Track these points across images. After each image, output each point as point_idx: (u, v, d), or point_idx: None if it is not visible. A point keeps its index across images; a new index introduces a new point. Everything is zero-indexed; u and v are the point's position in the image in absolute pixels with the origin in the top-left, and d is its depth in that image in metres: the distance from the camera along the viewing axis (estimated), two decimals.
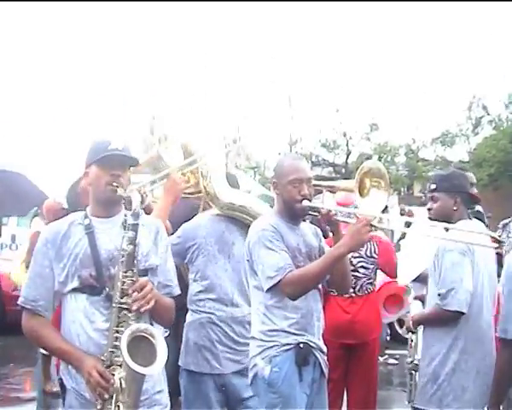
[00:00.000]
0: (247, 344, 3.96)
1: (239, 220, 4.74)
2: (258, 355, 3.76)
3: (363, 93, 34.69)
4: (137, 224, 3.01)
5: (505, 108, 30.79)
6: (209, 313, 4.63)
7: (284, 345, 3.70)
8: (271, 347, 3.71)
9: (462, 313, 3.84)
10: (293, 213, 3.87)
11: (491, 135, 30.16)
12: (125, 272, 2.96)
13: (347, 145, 33.95)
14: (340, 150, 34.41)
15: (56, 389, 7.19)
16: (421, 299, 4.46)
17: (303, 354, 3.71)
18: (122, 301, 2.95)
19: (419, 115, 34.02)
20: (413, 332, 4.20)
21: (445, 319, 3.89)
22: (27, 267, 7.99)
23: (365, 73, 35.62)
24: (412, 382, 4.07)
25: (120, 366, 2.89)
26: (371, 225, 3.53)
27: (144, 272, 3.13)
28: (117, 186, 3.09)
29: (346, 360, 5.44)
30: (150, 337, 2.93)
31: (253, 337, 3.87)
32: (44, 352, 7.36)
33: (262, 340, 3.76)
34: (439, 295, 3.87)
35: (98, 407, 2.90)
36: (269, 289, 3.69)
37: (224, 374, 4.62)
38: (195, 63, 33.10)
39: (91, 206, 3.24)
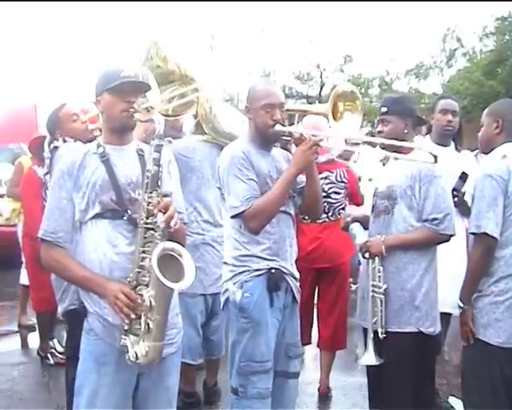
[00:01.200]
0: None
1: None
2: (229, 280, 3.78)
3: (338, 25, 34.54)
4: (162, 145, 3.06)
5: (479, 41, 30.73)
6: (201, 234, 4.87)
7: (256, 270, 3.72)
8: (243, 272, 3.73)
9: (452, 236, 4.03)
10: (265, 138, 3.85)
11: (465, 67, 30.13)
12: (151, 193, 3.01)
13: (321, 77, 33.89)
14: (313, 82, 34.36)
15: (32, 322, 7.32)
16: (358, 220, 4.51)
17: (274, 280, 3.73)
18: (148, 221, 2.99)
19: (393, 47, 33.99)
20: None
21: (437, 243, 4.02)
22: (9, 197, 8.08)
23: (340, 4, 35.29)
24: (382, 308, 3.99)
25: (147, 285, 2.96)
26: (317, 145, 3.60)
27: None
28: (134, 112, 3.13)
29: (316, 283, 5.52)
30: (178, 256, 3.01)
31: (225, 263, 3.90)
32: (25, 283, 7.41)
33: (234, 265, 3.78)
34: (434, 219, 3.92)
35: (125, 327, 2.96)
36: (232, 217, 3.73)
37: (214, 294, 4.81)
38: None
39: (104, 134, 3.27)
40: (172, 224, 3.00)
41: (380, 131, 4.11)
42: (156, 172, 3.02)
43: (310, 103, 32.42)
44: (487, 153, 3.92)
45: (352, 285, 10.06)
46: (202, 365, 5.44)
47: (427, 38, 44.50)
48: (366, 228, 4.37)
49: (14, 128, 9.34)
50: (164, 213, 2.99)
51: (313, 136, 3.68)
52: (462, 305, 3.81)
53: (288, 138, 3.87)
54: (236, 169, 3.72)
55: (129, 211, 3.08)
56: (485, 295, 3.75)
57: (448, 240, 4.00)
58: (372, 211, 4.23)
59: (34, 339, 7.13)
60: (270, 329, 3.74)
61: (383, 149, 3.99)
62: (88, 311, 3.13)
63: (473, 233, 3.74)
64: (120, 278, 3.03)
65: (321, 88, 33.74)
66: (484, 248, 3.70)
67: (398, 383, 3.98)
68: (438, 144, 4.88)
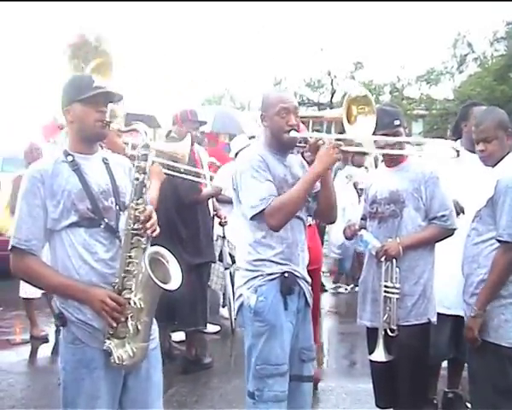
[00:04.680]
0: None
1: None
2: (243, 285, 3.79)
3: (348, 31, 34.61)
4: (147, 154, 3.17)
5: (490, 46, 30.67)
6: None
7: (269, 274, 3.73)
8: (256, 277, 3.74)
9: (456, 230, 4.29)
10: (281, 144, 3.86)
11: (476, 72, 30.11)
12: (137, 200, 3.11)
13: (332, 84, 33.88)
14: (324, 89, 34.35)
15: (44, 333, 7.36)
16: (363, 227, 4.57)
17: (288, 283, 3.74)
18: (135, 227, 3.10)
19: (404, 53, 34.01)
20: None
21: (445, 237, 4.30)
22: (12, 212, 8.11)
23: (350, 11, 35.35)
24: (395, 306, 4.20)
25: (131, 289, 3.07)
26: (339, 147, 3.66)
27: (124, 207, 3.23)
28: (109, 122, 3.21)
29: None
30: (164, 260, 3.16)
31: (238, 268, 3.93)
32: (25, 296, 7.42)
33: (247, 270, 3.79)
34: (442, 216, 4.24)
35: (110, 332, 3.05)
36: (252, 218, 3.71)
37: None
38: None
39: (72, 143, 3.27)
40: (154, 233, 3.15)
41: (394, 144, 4.24)
42: (143, 179, 3.13)
43: (321, 111, 32.49)
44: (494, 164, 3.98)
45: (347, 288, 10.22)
46: None
47: (437, 44, 44.49)
48: None
49: None
50: (147, 221, 3.11)
51: (336, 139, 3.72)
52: (477, 310, 3.85)
53: (304, 145, 3.89)
54: (254, 171, 3.73)
55: (105, 219, 3.16)
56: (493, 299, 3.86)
57: (453, 234, 4.30)
58: (372, 217, 4.46)
59: (46, 349, 7.22)
60: (285, 332, 3.74)
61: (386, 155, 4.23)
62: (69, 320, 3.14)
63: (502, 241, 3.78)
64: (99, 284, 3.10)
65: (332, 95, 33.74)
66: None
67: (417, 374, 4.24)
68: (469, 151, 4.86)
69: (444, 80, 32.89)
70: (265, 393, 3.71)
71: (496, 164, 3.94)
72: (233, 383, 5.90)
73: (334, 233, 9.47)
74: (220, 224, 7.35)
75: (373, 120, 3.81)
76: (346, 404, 5.60)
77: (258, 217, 3.69)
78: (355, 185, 9.51)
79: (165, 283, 3.09)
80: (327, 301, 9.92)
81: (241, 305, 3.81)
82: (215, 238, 7.25)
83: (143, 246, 3.11)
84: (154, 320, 3.32)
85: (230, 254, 7.56)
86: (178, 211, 5.99)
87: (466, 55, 32.34)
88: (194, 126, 6.47)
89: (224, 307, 8.44)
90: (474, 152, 4.25)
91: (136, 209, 3.09)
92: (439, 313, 4.46)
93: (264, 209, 3.64)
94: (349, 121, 3.79)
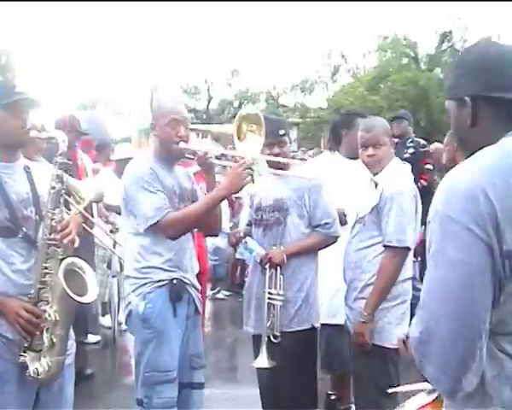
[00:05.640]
0: None
1: None
2: (132, 293, 3.76)
3: (224, 39, 34.91)
4: (66, 162, 3.13)
5: (363, 57, 31.66)
6: None
7: (158, 281, 3.71)
8: (145, 284, 3.72)
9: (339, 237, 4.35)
10: (169, 155, 3.85)
11: (349, 83, 30.98)
12: (53, 210, 3.06)
13: (208, 91, 34.02)
14: (201, 96, 34.45)
15: None
16: (248, 234, 4.59)
17: (176, 290, 3.74)
18: (51, 237, 3.04)
19: (279, 62, 34.64)
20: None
21: (328, 245, 4.35)
22: None
23: (226, 18, 35.62)
24: (279, 312, 4.20)
25: (47, 301, 3.01)
26: (250, 169, 3.63)
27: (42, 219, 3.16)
28: (29, 129, 3.16)
29: None
30: (81, 272, 3.13)
31: (127, 276, 3.88)
32: None
33: (136, 277, 3.76)
34: (325, 224, 4.28)
35: (25, 344, 2.99)
36: (146, 229, 3.68)
37: None
38: None
39: None
40: (66, 241, 3.07)
41: (278, 154, 4.23)
42: (60, 188, 3.08)
43: (197, 117, 32.60)
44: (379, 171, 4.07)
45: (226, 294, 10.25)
46: None
47: (312, 54, 45.63)
48: None
49: None
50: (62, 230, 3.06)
51: (242, 158, 3.72)
52: (366, 315, 3.91)
53: (192, 156, 3.88)
54: (145, 183, 3.70)
55: (23, 229, 3.08)
56: None
57: (336, 241, 4.34)
58: (257, 224, 4.47)
59: None
60: (174, 339, 3.74)
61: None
62: None
63: (391, 246, 3.89)
64: (16, 295, 3.03)
65: (208, 102, 33.92)
66: (401, 261, 3.92)
67: (301, 379, 4.24)
68: (349, 158, 4.90)
69: (318, 89, 33.72)
70: (154, 400, 3.69)
71: (378, 172, 4.04)
72: (115, 394, 5.83)
73: (209, 239, 9.55)
74: (111, 231, 7.16)
75: (261, 138, 3.86)
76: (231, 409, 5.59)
77: (151, 228, 3.67)
78: None
79: (81, 295, 3.05)
80: (207, 307, 9.95)
81: (130, 312, 3.77)
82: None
83: (60, 257, 3.06)
84: (72, 335, 3.30)
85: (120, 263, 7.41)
86: None
87: (339, 66, 33.26)
88: (78, 136, 6.46)
89: (104, 316, 8.27)
90: (354, 159, 4.35)
91: (52, 219, 3.04)
92: (337, 324, 4.56)
93: (159, 221, 3.64)
94: (239, 138, 3.84)
